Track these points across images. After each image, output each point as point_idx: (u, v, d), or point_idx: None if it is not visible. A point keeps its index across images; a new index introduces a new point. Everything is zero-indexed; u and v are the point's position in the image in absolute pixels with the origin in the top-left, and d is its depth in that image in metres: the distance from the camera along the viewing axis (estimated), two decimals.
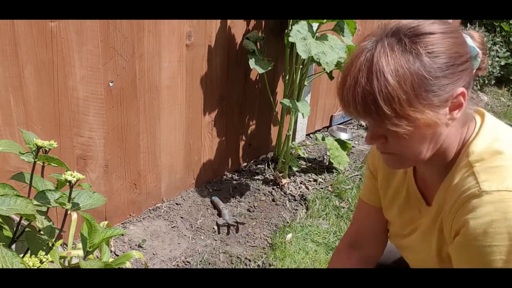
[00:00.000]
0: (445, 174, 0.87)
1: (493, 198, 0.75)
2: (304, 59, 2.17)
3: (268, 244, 1.96)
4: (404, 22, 0.84)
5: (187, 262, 1.82)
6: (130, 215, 2.02)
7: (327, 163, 2.65)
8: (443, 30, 0.78)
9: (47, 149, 1.01)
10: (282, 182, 2.38)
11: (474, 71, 0.81)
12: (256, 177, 2.45)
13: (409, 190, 0.98)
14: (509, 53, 4.45)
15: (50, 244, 0.94)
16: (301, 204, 2.27)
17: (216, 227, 2.03)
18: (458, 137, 0.84)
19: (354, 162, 2.72)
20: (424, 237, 0.95)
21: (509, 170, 0.77)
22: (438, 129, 0.78)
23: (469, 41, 0.80)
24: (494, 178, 0.77)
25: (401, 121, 0.74)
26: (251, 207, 2.21)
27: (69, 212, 0.96)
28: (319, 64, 2.02)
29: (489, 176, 0.78)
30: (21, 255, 0.84)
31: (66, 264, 1.30)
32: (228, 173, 2.47)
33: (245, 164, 2.57)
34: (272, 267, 1.81)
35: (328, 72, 2.15)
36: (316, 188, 2.40)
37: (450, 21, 0.89)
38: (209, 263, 1.81)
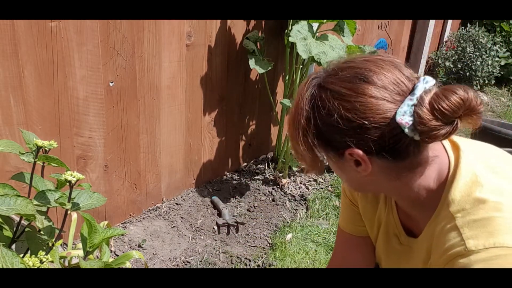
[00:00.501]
0: (427, 213, 0.85)
1: (481, 256, 0.74)
2: (304, 59, 2.17)
3: (268, 244, 1.96)
4: (333, 65, 0.84)
5: (187, 262, 1.82)
6: (130, 215, 2.02)
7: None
8: (342, 90, 0.78)
9: (47, 149, 1.01)
10: (282, 182, 2.38)
11: (413, 136, 0.74)
12: (256, 177, 2.45)
13: (389, 220, 0.97)
14: (509, 53, 4.45)
15: (50, 244, 0.94)
16: (301, 204, 2.27)
17: (216, 227, 2.03)
18: (406, 185, 0.82)
19: None
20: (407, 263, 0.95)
21: (493, 223, 0.75)
22: (348, 172, 0.85)
23: (403, 109, 0.74)
24: (479, 235, 0.75)
25: (296, 150, 0.87)
26: (251, 207, 2.21)
27: (69, 212, 0.96)
28: (319, 64, 2.02)
29: (473, 232, 0.76)
30: (21, 255, 0.84)
31: (66, 264, 1.30)
32: (228, 173, 2.47)
33: (245, 164, 2.57)
34: (272, 267, 1.81)
35: None
36: (316, 188, 2.40)
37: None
38: (209, 263, 1.81)
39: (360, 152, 0.78)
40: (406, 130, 0.74)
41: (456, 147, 0.86)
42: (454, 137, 0.86)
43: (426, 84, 0.75)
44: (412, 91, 0.75)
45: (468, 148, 0.85)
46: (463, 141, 0.89)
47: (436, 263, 0.83)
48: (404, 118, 0.74)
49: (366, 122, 0.76)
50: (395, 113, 0.75)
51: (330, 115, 0.79)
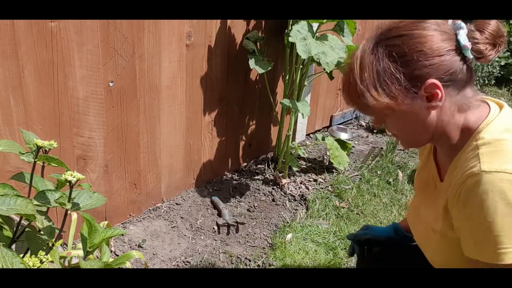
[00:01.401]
0: (454, 155, 0.96)
1: (490, 178, 0.83)
2: (304, 59, 2.17)
3: (268, 244, 1.96)
4: (387, 24, 1.01)
5: (187, 262, 1.82)
6: (130, 215, 2.02)
7: (327, 163, 2.65)
8: (409, 32, 0.94)
9: (47, 149, 1.01)
10: (282, 182, 2.38)
11: (471, 59, 0.91)
12: (256, 177, 2.45)
13: (430, 167, 1.09)
14: (509, 53, 4.46)
15: (50, 244, 0.94)
16: (301, 204, 2.27)
17: (216, 227, 2.03)
18: (455, 123, 0.95)
19: (354, 162, 2.72)
20: (434, 207, 1.05)
21: (510, 154, 0.85)
22: (419, 114, 0.93)
23: (460, 35, 0.91)
24: (494, 161, 0.85)
25: (369, 104, 0.93)
26: (251, 207, 2.21)
27: (69, 212, 0.96)
28: (319, 64, 2.02)
29: (490, 158, 0.86)
30: (21, 255, 0.84)
31: (66, 264, 1.30)
32: (228, 173, 2.47)
33: (245, 164, 2.57)
34: (272, 267, 1.82)
35: (328, 72, 2.15)
36: (316, 188, 2.40)
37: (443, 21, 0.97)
38: (209, 263, 1.81)
39: (437, 81, 0.89)
40: (468, 53, 0.90)
41: (500, 105, 0.97)
42: (501, 101, 1.00)
43: (459, 24, 0.94)
44: (459, 27, 0.93)
45: (509, 108, 0.97)
46: (507, 106, 0.99)
47: (452, 188, 0.91)
48: (465, 41, 0.90)
49: (438, 50, 0.90)
50: (458, 40, 0.91)
51: (405, 54, 0.91)
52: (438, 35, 0.92)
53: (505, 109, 0.96)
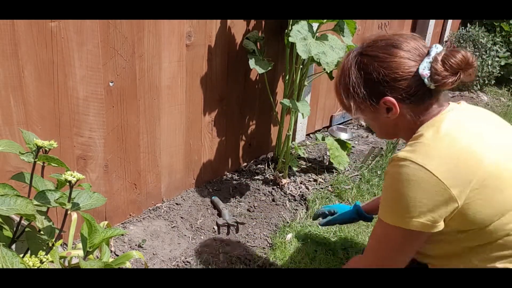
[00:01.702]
0: None
1: (394, 163, 1.07)
2: (304, 59, 2.17)
3: (268, 244, 1.96)
4: (371, 40, 1.17)
5: (187, 262, 1.82)
6: (130, 215, 2.02)
7: (327, 163, 2.65)
8: (381, 55, 1.11)
9: (47, 149, 1.01)
10: (282, 182, 2.38)
11: (429, 85, 1.07)
12: (256, 177, 2.45)
13: None
14: (509, 53, 4.45)
15: (50, 244, 0.94)
16: (301, 204, 2.27)
17: (216, 227, 2.03)
18: (413, 127, 1.13)
19: (354, 162, 2.72)
20: None
21: (419, 146, 1.06)
22: (381, 119, 1.15)
23: (422, 64, 1.07)
24: (408, 151, 1.06)
25: (343, 101, 1.19)
26: (251, 207, 2.21)
27: (69, 212, 0.96)
28: (319, 64, 2.02)
29: (407, 148, 1.08)
30: (21, 255, 0.84)
31: (66, 264, 1.30)
32: (228, 173, 2.47)
33: (245, 164, 2.57)
34: (272, 267, 1.82)
35: (328, 72, 2.15)
36: (316, 188, 2.40)
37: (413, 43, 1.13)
38: (209, 263, 1.81)
39: (392, 99, 1.09)
40: (426, 80, 1.06)
41: (450, 109, 1.13)
42: (463, 103, 1.17)
43: (437, 49, 1.07)
44: (428, 53, 1.07)
45: (460, 109, 1.14)
46: (467, 106, 1.17)
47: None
48: (424, 71, 1.06)
49: (398, 76, 1.08)
50: (418, 68, 1.07)
51: (371, 73, 1.10)
52: (405, 61, 1.09)
53: (453, 111, 1.12)
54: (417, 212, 1.03)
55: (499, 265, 1.06)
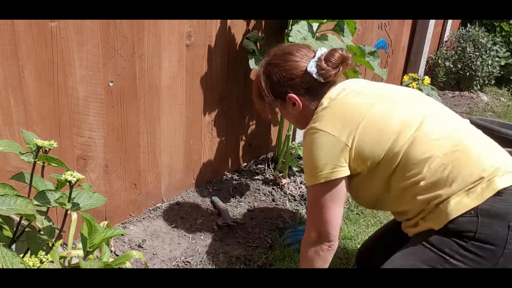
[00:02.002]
0: None
1: (304, 135, 1.35)
2: None
3: (268, 244, 1.96)
4: (273, 50, 1.47)
5: (187, 262, 1.82)
6: (130, 215, 2.02)
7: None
8: (279, 62, 1.41)
9: (47, 149, 1.01)
10: (282, 182, 2.38)
11: (319, 78, 1.36)
12: (256, 177, 2.45)
13: None
14: (509, 53, 4.46)
15: (50, 244, 0.94)
16: (301, 204, 2.27)
17: (216, 227, 2.03)
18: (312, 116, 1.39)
19: None
20: None
21: (316, 117, 1.33)
22: (291, 112, 1.44)
23: (310, 63, 1.37)
24: (310, 123, 1.35)
25: (260, 106, 1.52)
26: (251, 207, 2.21)
27: (69, 212, 0.96)
28: None
29: (313, 120, 1.35)
30: (21, 255, 0.84)
31: (66, 264, 1.30)
32: (228, 173, 2.47)
33: (245, 164, 2.58)
34: (272, 267, 1.82)
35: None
36: None
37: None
38: (209, 263, 1.81)
39: (294, 95, 1.40)
40: (314, 75, 1.36)
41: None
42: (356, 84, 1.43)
43: (322, 51, 1.38)
44: (314, 56, 1.38)
45: (346, 82, 1.43)
46: (356, 82, 1.45)
47: None
48: (312, 68, 1.36)
49: (293, 76, 1.38)
50: (307, 67, 1.37)
51: (274, 77, 1.41)
52: (296, 64, 1.39)
53: (336, 87, 1.39)
54: (322, 166, 1.29)
55: (419, 186, 1.25)
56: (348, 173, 1.30)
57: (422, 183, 1.25)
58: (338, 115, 1.31)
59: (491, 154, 1.27)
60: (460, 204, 1.20)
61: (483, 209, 1.18)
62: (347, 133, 1.27)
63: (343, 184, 1.32)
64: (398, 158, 1.26)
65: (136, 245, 1.87)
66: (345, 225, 2.08)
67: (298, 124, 1.51)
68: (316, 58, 1.37)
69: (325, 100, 1.36)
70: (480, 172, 1.21)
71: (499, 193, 1.19)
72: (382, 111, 1.30)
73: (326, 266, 1.42)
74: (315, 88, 1.39)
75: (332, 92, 1.37)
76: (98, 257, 1.22)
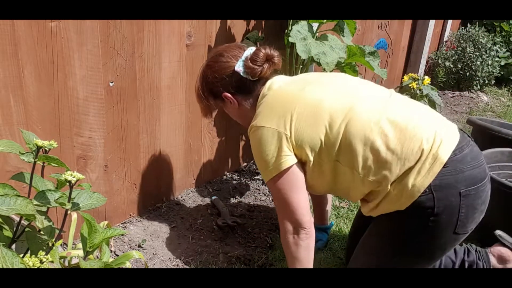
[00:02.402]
0: None
1: (249, 134, 1.43)
2: (304, 59, 2.17)
3: (268, 244, 1.96)
4: (211, 53, 1.59)
5: (187, 262, 1.82)
6: (130, 215, 2.02)
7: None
8: (211, 64, 1.51)
9: (47, 149, 1.01)
10: None
11: (247, 77, 1.46)
12: (256, 177, 2.45)
13: None
14: (509, 53, 4.46)
15: (50, 244, 0.94)
16: None
17: (216, 227, 2.03)
18: (254, 111, 1.46)
19: None
20: None
21: (256, 115, 1.42)
22: (231, 109, 1.56)
23: (237, 63, 1.46)
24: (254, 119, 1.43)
25: (206, 110, 1.62)
26: (251, 207, 2.21)
27: (69, 212, 0.96)
28: (319, 64, 2.01)
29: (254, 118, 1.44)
30: (21, 255, 0.85)
31: (66, 264, 1.30)
32: (228, 173, 2.47)
33: (245, 164, 2.58)
34: (272, 267, 1.82)
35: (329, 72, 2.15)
36: None
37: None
38: (209, 263, 1.81)
39: (228, 94, 1.49)
40: (242, 74, 1.46)
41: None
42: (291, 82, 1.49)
43: (250, 51, 1.47)
44: (242, 55, 1.47)
45: (279, 77, 1.51)
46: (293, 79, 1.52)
47: None
48: (239, 67, 1.46)
49: (224, 75, 1.48)
50: (234, 67, 1.46)
51: (208, 78, 1.51)
52: (225, 64, 1.47)
53: (269, 82, 1.48)
54: (269, 159, 1.36)
55: (366, 168, 1.32)
56: (295, 160, 1.37)
57: (367, 163, 1.32)
58: (272, 106, 1.39)
59: (425, 122, 1.33)
60: (416, 185, 1.29)
61: (435, 184, 1.28)
62: (283, 122, 1.35)
63: (295, 170, 1.39)
64: (337, 141, 1.33)
65: (136, 245, 1.87)
66: (345, 225, 2.08)
67: (242, 122, 1.59)
68: (243, 58, 1.47)
69: (260, 96, 1.47)
70: (420, 145, 1.29)
71: (444, 165, 1.28)
72: (313, 95, 1.37)
73: (312, 254, 1.47)
74: (247, 86, 1.48)
75: (265, 87, 1.47)
76: (98, 257, 1.22)
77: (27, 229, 1.00)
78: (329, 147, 1.34)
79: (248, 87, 1.48)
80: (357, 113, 1.32)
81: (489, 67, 4.20)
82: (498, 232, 1.72)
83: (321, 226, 1.93)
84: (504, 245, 1.68)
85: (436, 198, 1.29)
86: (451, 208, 1.30)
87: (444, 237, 1.34)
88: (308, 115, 1.34)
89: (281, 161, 1.35)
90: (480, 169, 1.33)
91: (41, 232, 0.99)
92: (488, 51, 4.18)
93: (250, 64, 1.44)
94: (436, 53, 4.36)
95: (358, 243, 1.54)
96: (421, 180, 1.29)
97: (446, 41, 4.46)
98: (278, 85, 1.45)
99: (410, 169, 1.29)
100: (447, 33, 4.44)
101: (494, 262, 1.68)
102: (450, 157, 1.28)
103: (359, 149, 1.31)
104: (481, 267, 1.66)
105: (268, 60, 1.46)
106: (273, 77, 1.51)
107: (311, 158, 1.37)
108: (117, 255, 1.78)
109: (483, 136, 2.37)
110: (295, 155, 1.37)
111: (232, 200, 2.24)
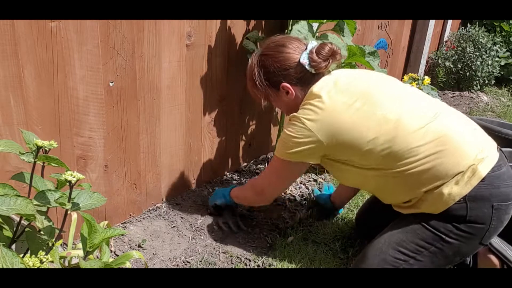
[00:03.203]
0: None
1: (289, 120, 1.52)
2: None
3: (268, 244, 1.96)
4: (266, 43, 1.64)
5: (187, 262, 1.82)
6: (130, 215, 2.02)
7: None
8: (272, 53, 1.54)
9: (47, 149, 1.01)
10: None
11: (311, 70, 1.50)
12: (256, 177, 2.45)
13: None
14: (509, 53, 4.45)
15: (50, 244, 0.94)
16: (301, 204, 2.27)
17: (216, 227, 2.03)
18: (301, 101, 1.55)
19: None
20: None
21: (305, 109, 1.48)
22: (283, 99, 1.60)
23: (302, 55, 1.50)
24: (298, 111, 1.50)
25: (254, 94, 1.67)
26: (251, 207, 2.21)
27: (69, 212, 0.96)
28: None
29: (299, 110, 1.52)
30: (21, 255, 0.85)
31: (66, 264, 1.30)
32: (228, 173, 2.47)
33: (245, 164, 2.57)
34: (272, 267, 1.82)
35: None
36: (316, 188, 2.40)
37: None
38: (209, 263, 1.81)
39: (287, 84, 1.54)
40: (306, 67, 1.50)
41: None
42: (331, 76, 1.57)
43: (313, 44, 1.52)
44: (306, 48, 1.51)
45: (337, 77, 1.54)
46: (332, 77, 1.56)
47: None
48: (304, 60, 1.50)
49: (287, 66, 1.52)
50: (299, 58, 1.50)
51: (268, 67, 1.54)
52: (290, 55, 1.51)
53: (322, 80, 1.53)
54: (291, 147, 1.48)
55: (411, 177, 1.41)
56: (310, 162, 1.53)
57: (412, 173, 1.39)
58: (323, 111, 1.44)
59: (471, 140, 1.42)
60: (452, 194, 1.38)
61: (471, 195, 1.37)
62: (326, 131, 1.43)
63: (300, 168, 1.59)
64: (382, 153, 1.40)
65: (136, 245, 1.87)
66: (345, 225, 2.08)
67: (288, 110, 1.64)
68: (308, 51, 1.50)
69: (313, 92, 1.49)
70: (466, 162, 1.37)
71: (482, 179, 1.37)
72: (362, 111, 1.42)
73: (247, 204, 1.99)
74: (307, 78, 1.53)
75: (320, 85, 1.50)
76: (98, 257, 1.22)
77: (27, 229, 1.00)
78: (373, 159, 1.42)
79: (307, 79, 1.53)
80: (404, 128, 1.39)
81: (489, 67, 4.20)
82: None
83: (335, 206, 2.12)
84: (491, 251, 1.68)
85: (469, 207, 1.38)
86: (483, 218, 1.39)
87: (470, 244, 1.43)
88: (352, 130, 1.42)
89: (299, 155, 1.49)
90: None
91: (41, 232, 0.99)
92: (488, 51, 4.18)
93: (316, 57, 1.48)
94: (436, 53, 4.36)
95: (370, 216, 1.84)
96: (458, 190, 1.37)
97: (446, 41, 4.46)
98: (332, 89, 1.48)
99: (450, 179, 1.39)
100: (447, 33, 4.44)
101: (480, 264, 1.68)
102: (488, 173, 1.38)
103: (405, 161, 1.39)
104: (467, 262, 1.70)
105: (332, 55, 1.50)
106: (328, 73, 1.57)
107: (354, 164, 1.47)
108: (117, 255, 1.78)
109: None
110: (328, 157, 1.50)
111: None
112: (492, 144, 1.47)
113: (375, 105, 1.42)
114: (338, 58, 1.52)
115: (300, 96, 1.55)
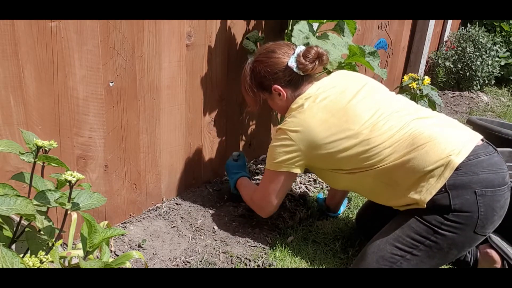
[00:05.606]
0: None
1: (278, 130, 1.66)
2: None
3: (268, 244, 1.96)
4: (259, 50, 1.76)
5: (187, 262, 1.82)
6: (130, 215, 2.02)
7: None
8: (263, 59, 1.67)
9: (47, 149, 1.01)
10: None
11: (299, 72, 1.63)
12: (256, 177, 2.45)
13: None
14: (509, 53, 4.46)
15: (50, 244, 0.94)
16: (301, 204, 2.27)
17: (216, 227, 2.03)
18: (291, 103, 1.67)
19: None
20: None
21: (292, 119, 1.61)
22: (276, 101, 1.72)
23: (290, 59, 1.63)
24: (285, 122, 1.64)
25: (250, 99, 1.78)
26: None
27: (69, 212, 0.96)
28: None
29: (286, 119, 1.65)
30: (21, 255, 0.85)
31: (66, 264, 1.30)
32: None
33: None
34: (272, 267, 1.82)
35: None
36: (316, 188, 2.40)
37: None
38: (209, 263, 1.81)
39: (278, 86, 1.67)
40: (295, 69, 1.62)
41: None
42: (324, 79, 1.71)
43: (300, 48, 1.64)
44: (294, 52, 1.64)
45: (321, 87, 1.66)
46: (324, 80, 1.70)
47: None
48: (292, 63, 1.62)
49: (276, 70, 1.65)
50: (287, 62, 1.63)
51: (260, 72, 1.67)
52: (278, 60, 1.64)
53: (316, 85, 1.66)
54: (278, 158, 1.63)
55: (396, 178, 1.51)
56: (297, 172, 1.65)
57: (385, 168, 1.50)
58: (303, 124, 1.57)
59: (447, 139, 1.48)
60: (429, 189, 1.45)
61: (450, 184, 1.43)
62: (306, 142, 1.56)
63: (290, 178, 1.71)
64: (358, 157, 1.52)
65: (136, 245, 1.87)
66: (345, 226, 2.08)
67: (281, 111, 1.77)
68: (295, 55, 1.63)
69: (298, 103, 1.62)
70: (440, 159, 1.44)
71: (458, 168, 1.43)
72: (338, 127, 1.53)
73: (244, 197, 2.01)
74: (296, 80, 1.66)
75: (305, 96, 1.62)
76: (98, 257, 1.22)
77: (27, 229, 1.00)
78: (356, 162, 1.54)
79: (297, 81, 1.65)
80: (380, 132, 1.51)
81: (489, 67, 4.20)
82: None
83: (331, 215, 2.16)
84: (492, 247, 1.69)
85: (451, 196, 1.43)
86: (468, 205, 1.42)
87: (463, 235, 1.45)
88: (333, 137, 1.55)
89: (282, 162, 1.64)
90: (497, 175, 1.45)
91: (41, 232, 0.99)
92: (488, 51, 4.18)
93: (303, 60, 1.60)
94: (436, 53, 4.36)
95: (370, 216, 1.91)
96: (433, 183, 1.44)
97: (446, 41, 4.46)
98: (316, 99, 1.59)
99: (424, 174, 1.46)
100: (447, 33, 4.44)
101: (481, 261, 1.69)
102: (463, 162, 1.43)
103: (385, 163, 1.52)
104: (468, 259, 1.73)
105: (318, 57, 1.62)
106: (316, 80, 1.70)
107: (343, 171, 1.59)
108: (117, 255, 1.78)
109: (483, 136, 2.36)
110: (310, 165, 1.66)
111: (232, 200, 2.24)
112: (472, 138, 1.52)
113: (351, 122, 1.54)
114: (324, 60, 1.63)
115: (290, 98, 1.67)
